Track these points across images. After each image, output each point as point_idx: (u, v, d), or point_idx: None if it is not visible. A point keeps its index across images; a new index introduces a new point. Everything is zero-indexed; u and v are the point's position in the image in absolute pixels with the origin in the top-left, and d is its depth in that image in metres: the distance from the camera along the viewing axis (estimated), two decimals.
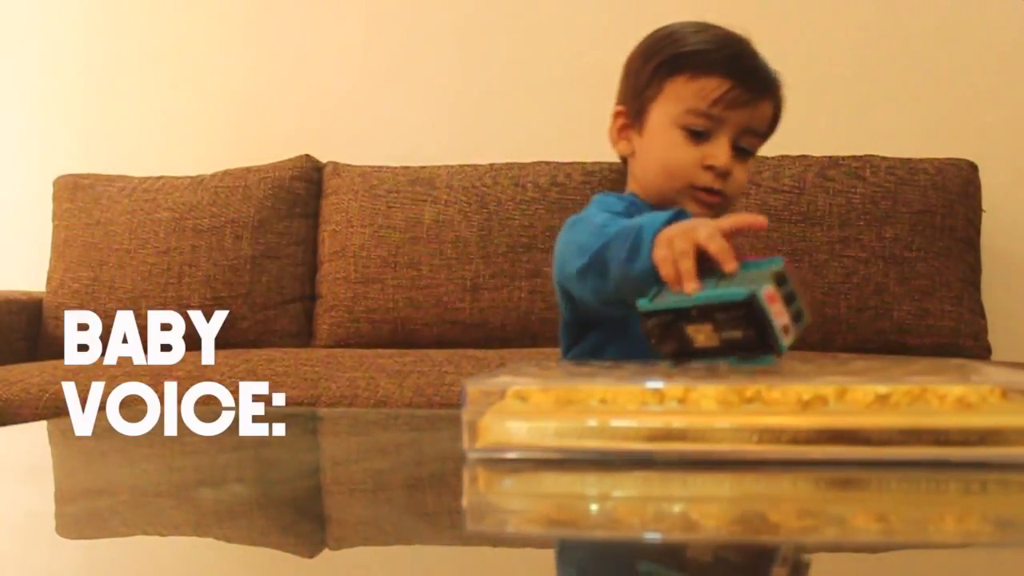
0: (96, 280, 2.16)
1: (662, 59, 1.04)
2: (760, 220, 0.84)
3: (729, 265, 0.77)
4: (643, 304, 0.77)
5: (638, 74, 1.06)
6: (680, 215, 0.86)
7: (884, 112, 2.14)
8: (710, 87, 1.01)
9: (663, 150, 1.03)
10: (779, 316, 0.73)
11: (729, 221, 0.81)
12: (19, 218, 2.52)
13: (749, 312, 0.72)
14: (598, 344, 1.04)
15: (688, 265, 0.77)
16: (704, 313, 0.74)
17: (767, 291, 0.72)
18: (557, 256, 1.00)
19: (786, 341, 0.73)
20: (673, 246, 0.79)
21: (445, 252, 2.03)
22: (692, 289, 0.76)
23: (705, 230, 0.79)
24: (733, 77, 1.01)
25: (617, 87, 1.11)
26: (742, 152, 1.03)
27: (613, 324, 1.02)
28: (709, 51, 1.02)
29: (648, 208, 1.05)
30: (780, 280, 0.74)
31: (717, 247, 0.77)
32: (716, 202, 1.03)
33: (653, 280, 0.81)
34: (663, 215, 0.86)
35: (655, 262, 0.81)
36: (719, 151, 1.01)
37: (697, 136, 1.01)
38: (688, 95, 1.02)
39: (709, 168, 1.01)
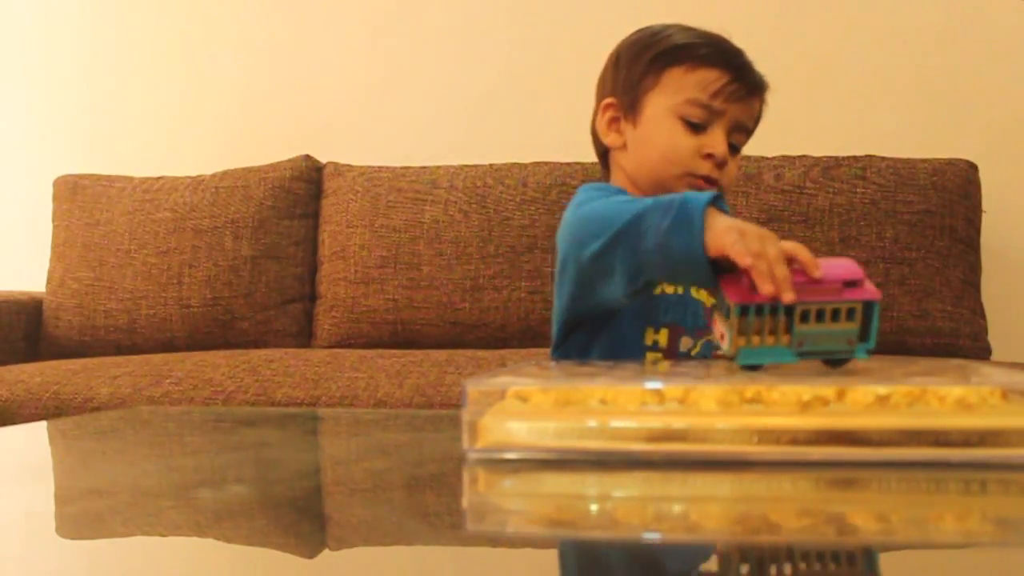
0: (96, 280, 2.16)
1: (659, 50, 1.05)
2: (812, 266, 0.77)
3: (814, 272, 0.74)
4: (744, 359, 0.74)
5: (631, 66, 1.07)
6: (719, 199, 0.83)
7: (884, 112, 2.14)
8: (711, 78, 1.02)
9: (662, 138, 1.03)
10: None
11: (790, 245, 0.77)
12: (19, 218, 2.52)
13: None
14: (584, 343, 1.05)
15: (785, 272, 0.74)
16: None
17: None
18: (571, 234, 0.97)
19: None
20: (763, 246, 0.75)
21: (445, 252, 2.03)
22: (789, 299, 0.73)
23: (783, 242, 0.76)
24: (733, 71, 1.02)
25: (598, 83, 1.11)
26: (731, 147, 1.04)
27: (599, 322, 1.03)
28: (705, 44, 1.04)
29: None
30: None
31: (805, 256, 0.75)
32: (712, 191, 1.03)
33: (698, 257, 0.79)
34: (704, 194, 0.83)
35: (726, 250, 0.77)
36: (716, 141, 1.02)
37: (694, 128, 1.02)
38: (688, 85, 1.03)
39: (708, 157, 1.02)
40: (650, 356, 1.02)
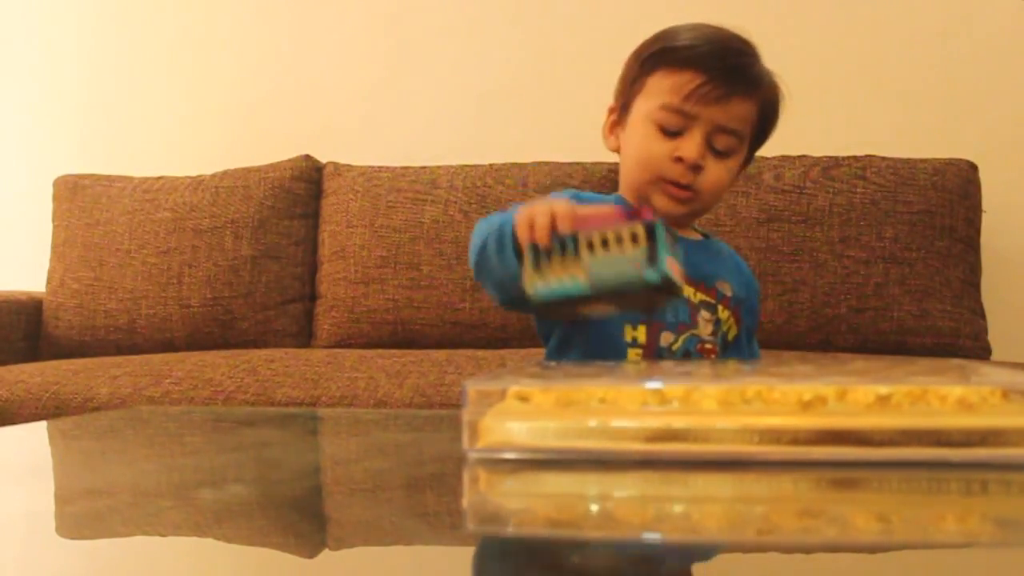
0: (96, 280, 2.16)
1: (648, 55, 1.04)
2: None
3: (563, 225, 0.82)
4: (539, 294, 0.82)
5: (628, 70, 1.07)
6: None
7: (884, 112, 2.14)
8: (684, 81, 1.01)
9: (639, 144, 1.03)
10: (676, 272, 0.80)
11: (555, 202, 0.85)
12: (19, 218, 2.52)
13: (658, 288, 0.79)
14: (562, 341, 1.06)
15: (543, 220, 0.82)
16: (605, 295, 0.80)
17: (673, 265, 0.79)
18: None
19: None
20: (531, 210, 0.84)
21: (445, 252, 2.03)
22: (541, 238, 0.81)
23: (555, 201, 0.84)
24: (708, 72, 1.00)
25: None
26: (718, 153, 1.03)
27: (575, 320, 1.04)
28: (689, 47, 1.02)
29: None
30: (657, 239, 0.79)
31: (562, 208, 0.82)
32: (686, 197, 1.03)
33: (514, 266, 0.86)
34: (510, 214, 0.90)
35: (516, 232, 0.85)
36: (689, 145, 1.01)
37: (671, 133, 1.02)
38: (664, 90, 1.02)
39: (679, 161, 1.01)
40: (631, 354, 1.02)
